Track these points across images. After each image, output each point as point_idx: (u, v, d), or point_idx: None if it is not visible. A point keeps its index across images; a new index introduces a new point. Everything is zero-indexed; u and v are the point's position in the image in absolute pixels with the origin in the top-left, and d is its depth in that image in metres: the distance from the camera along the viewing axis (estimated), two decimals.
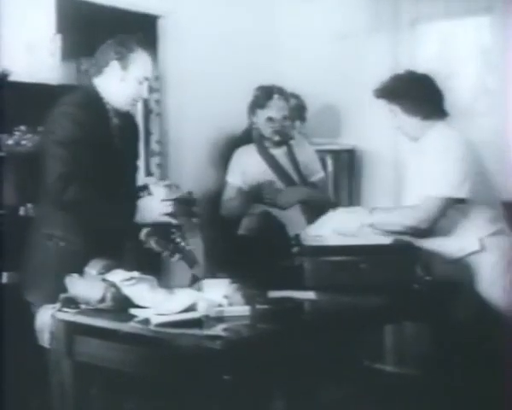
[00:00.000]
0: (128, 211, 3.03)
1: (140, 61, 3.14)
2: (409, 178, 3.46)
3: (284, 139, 4.25)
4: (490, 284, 3.17)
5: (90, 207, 2.97)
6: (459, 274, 3.16)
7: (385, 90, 3.36)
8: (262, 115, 4.21)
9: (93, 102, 3.12)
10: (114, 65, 3.12)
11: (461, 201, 3.17)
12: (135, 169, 3.39)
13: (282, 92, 4.23)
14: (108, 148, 3.12)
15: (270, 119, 4.20)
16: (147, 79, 3.17)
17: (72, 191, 2.92)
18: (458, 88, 4.51)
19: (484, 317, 3.16)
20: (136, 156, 3.40)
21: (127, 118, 3.27)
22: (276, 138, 4.23)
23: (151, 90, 4.67)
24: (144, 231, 3.11)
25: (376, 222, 3.19)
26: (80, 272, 2.82)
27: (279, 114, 4.21)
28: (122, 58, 3.11)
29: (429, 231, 3.18)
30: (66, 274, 2.81)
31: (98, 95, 3.15)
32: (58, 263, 2.99)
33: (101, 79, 3.16)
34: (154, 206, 3.04)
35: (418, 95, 3.32)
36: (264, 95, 4.21)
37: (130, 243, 3.28)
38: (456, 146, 3.23)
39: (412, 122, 3.32)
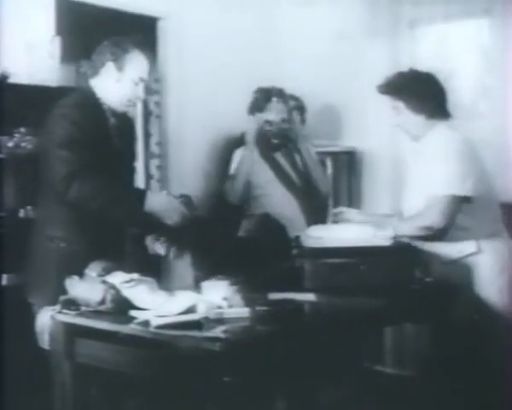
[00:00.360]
0: (135, 201, 3.04)
1: (135, 62, 3.14)
2: (409, 178, 3.45)
3: (283, 142, 4.27)
4: (488, 285, 3.17)
5: (96, 200, 2.97)
6: (458, 276, 3.17)
7: (391, 85, 3.34)
8: (261, 118, 4.23)
9: (90, 104, 3.13)
10: (110, 66, 3.12)
11: (467, 199, 3.17)
12: (132, 170, 3.39)
13: (281, 95, 4.24)
14: (108, 148, 3.12)
15: (268, 122, 4.22)
16: (142, 79, 3.17)
17: (76, 188, 2.93)
18: (458, 89, 4.51)
19: (482, 318, 3.16)
20: (133, 157, 3.41)
21: (124, 119, 3.27)
22: (275, 141, 4.26)
23: (151, 92, 4.68)
24: (149, 237, 3.12)
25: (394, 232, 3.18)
26: (82, 273, 2.82)
27: (278, 116, 4.23)
28: (117, 59, 3.12)
29: (445, 230, 3.17)
30: (67, 275, 2.81)
31: (95, 96, 3.15)
32: (60, 264, 2.99)
33: (97, 80, 3.16)
34: (172, 205, 3.05)
35: (425, 92, 3.31)
36: (263, 97, 4.23)
37: (131, 245, 3.29)
38: (457, 146, 3.23)
39: (416, 120, 3.31)
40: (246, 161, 4.28)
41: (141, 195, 3.08)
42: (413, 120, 3.31)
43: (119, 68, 3.12)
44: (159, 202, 3.06)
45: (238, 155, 4.35)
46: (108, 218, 3.02)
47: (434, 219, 3.14)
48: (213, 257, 3.00)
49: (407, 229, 3.19)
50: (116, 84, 3.14)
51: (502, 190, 3.70)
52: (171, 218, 3.04)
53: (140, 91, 3.19)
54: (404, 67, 3.47)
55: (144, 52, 3.17)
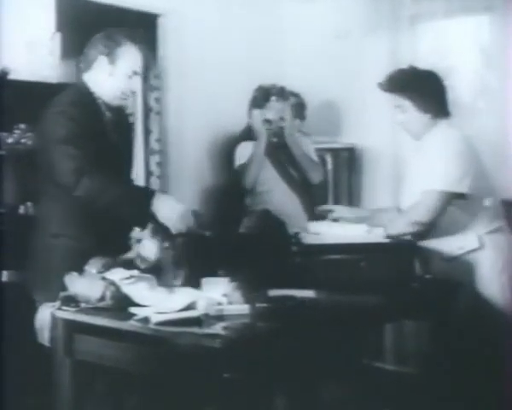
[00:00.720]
0: (143, 199, 3.03)
1: (128, 55, 3.12)
2: (408, 174, 3.45)
3: (281, 141, 4.30)
4: (488, 281, 3.18)
5: (105, 196, 2.96)
6: (458, 272, 3.17)
7: (397, 83, 3.31)
8: (260, 116, 4.26)
9: (85, 99, 3.11)
10: (102, 60, 3.11)
11: (460, 196, 3.17)
12: (131, 164, 3.39)
13: (280, 93, 4.27)
14: (106, 143, 3.11)
15: (267, 121, 4.25)
16: (136, 72, 3.15)
17: (84, 184, 2.93)
18: (458, 86, 4.51)
19: (483, 315, 3.16)
20: (131, 151, 3.40)
21: (120, 112, 3.26)
22: (274, 140, 4.29)
23: (151, 88, 4.68)
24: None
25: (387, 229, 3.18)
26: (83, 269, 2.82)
27: (276, 116, 4.25)
28: (110, 53, 3.10)
29: (431, 225, 3.17)
30: (73, 272, 2.81)
31: (89, 90, 3.13)
32: (65, 261, 2.97)
33: (90, 75, 3.14)
34: (179, 213, 3.01)
35: (432, 91, 3.30)
36: (262, 96, 4.26)
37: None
38: (455, 143, 3.23)
39: (422, 119, 3.28)
40: (257, 153, 4.29)
41: (149, 193, 3.06)
42: (418, 118, 3.28)
43: (112, 62, 3.10)
44: (166, 207, 3.01)
45: (244, 147, 4.36)
46: (115, 214, 3.01)
47: (422, 214, 3.15)
48: (215, 260, 2.99)
49: (399, 224, 3.19)
50: (109, 77, 3.12)
51: (502, 186, 3.70)
52: (176, 226, 2.99)
53: (133, 84, 3.17)
54: (405, 64, 3.45)
55: (137, 45, 3.15)
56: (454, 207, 3.19)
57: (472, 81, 4.68)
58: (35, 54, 3.86)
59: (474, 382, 3.08)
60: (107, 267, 2.78)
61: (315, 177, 4.39)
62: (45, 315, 2.84)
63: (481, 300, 3.17)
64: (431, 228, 3.18)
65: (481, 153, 3.33)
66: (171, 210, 2.97)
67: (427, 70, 3.36)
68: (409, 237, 3.18)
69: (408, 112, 3.29)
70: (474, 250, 3.20)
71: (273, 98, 4.25)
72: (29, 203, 3.81)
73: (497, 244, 3.22)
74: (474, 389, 3.07)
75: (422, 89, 3.28)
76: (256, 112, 4.28)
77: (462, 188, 3.16)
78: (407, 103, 3.28)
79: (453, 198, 3.17)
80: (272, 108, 4.26)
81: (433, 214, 3.15)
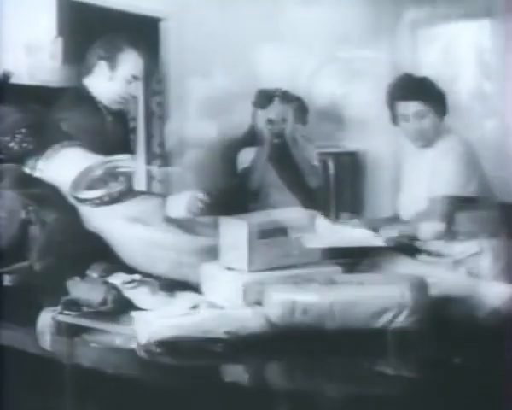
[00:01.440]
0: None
1: (128, 60, 3.13)
2: (408, 181, 3.45)
3: (282, 142, 4.31)
4: (488, 285, 3.18)
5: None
6: (459, 276, 3.17)
7: (418, 90, 3.32)
8: (262, 117, 4.28)
9: (87, 104, 3.12)
10: (102, 65, 3.11)
11: (467, 200, 3.18)
12: None
13: (283, 96, 4.29)
14: (108, 146, 3.11)
15: (269, 121, 4.27)
16: (135, 77, 3.15)
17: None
18: (458, 90, 4.51)
19: (483, 318, 3.16)
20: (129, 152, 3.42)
21: (119, 115, 3.26)
22: (276, 141, 4.30)
23: (153, 92, 4.68)
24: None
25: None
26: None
27: (279, 116, 4.27)
28: (110, 58, 3.11)
29: (446, 232, 3.17)
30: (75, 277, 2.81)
31: (89, 95, 3.14)
32: (73, 266, 2.97)
33: (91, 79, 3.15)
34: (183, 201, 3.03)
35: (444, 97, 3.32)
36: (266, 97, 4.28)
37: None
38: (460, 148, 3.25)
39: (438, 124, 3.30)
40: (261, 157, 4.31)
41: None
42: (435, 123, 3.29)
43: (112, 67, 3.12)
44: (172, 202, 3.04)
45: (246, 152, 4.38)
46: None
47: (436, 220, 3.15)
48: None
49: (410, 231, 3.19)
50: (109, 82, 3.13)
51: (500, 190, 3.70)
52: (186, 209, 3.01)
53: (133, 89, 3.17)
54: (405, 70, 3.46)
55: (138, 50, 3.15)
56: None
57: (472, 85, 4.68)
58: (36, 58, 3.87)
59: (474, 386, 3.07)
60: (108, 272, 2.78)
61: (313, 181, 4.40)
62: (46, 319, 2.84)
63: (481, 303, 3.17)
64: (442, 235, 3.18)
65: (480, 157, 3.34)
66: (176, 201, 2.99)
67: (428, 76, 3.38)
68: (409, 241, 3.18)
69: (427, 117, 3.29)
70: (473, 254, 3.20)
71: (276, 100, 4.28)
72: (30, 207, 3.80)
73: (497, 248, 3.22)
74: (473, 392, 3.07)
75: (439, 94, 3.31)
76: (259, 112, 4.31)
77: (469, 192, 3.17)
78: (427, 109, 3.28)
79: (461, 203, 3.18)
80: (275, 109, 4.28)
81: (447, 221, 3.15)
